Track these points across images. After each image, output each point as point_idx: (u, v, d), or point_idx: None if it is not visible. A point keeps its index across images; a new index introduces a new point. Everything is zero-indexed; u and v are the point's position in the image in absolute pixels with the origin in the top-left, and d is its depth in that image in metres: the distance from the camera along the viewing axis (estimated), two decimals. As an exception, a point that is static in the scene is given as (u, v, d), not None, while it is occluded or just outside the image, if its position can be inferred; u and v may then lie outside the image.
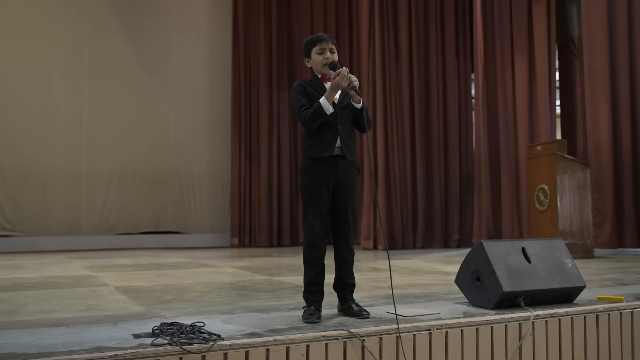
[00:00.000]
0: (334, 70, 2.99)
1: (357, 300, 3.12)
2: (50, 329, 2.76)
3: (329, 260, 3.05)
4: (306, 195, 3.05)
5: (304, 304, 3.03)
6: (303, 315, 2.94)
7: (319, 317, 2.92)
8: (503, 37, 9.23)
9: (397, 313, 2.94)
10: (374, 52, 9.65)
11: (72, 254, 8.70)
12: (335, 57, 3.10)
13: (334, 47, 3.10)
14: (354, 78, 2.94)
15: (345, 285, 3.10)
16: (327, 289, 3.08)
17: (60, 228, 10.34)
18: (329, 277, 3.09)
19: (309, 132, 3.05)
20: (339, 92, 3.01)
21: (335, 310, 3.15)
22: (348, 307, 3.06)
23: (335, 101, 3.00)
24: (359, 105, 3.01)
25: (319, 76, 3.12)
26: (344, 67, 2.96)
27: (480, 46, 9.30)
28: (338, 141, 3.01)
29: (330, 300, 3.19)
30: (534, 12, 8.87)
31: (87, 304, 3.63)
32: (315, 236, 3.00)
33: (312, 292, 3.01)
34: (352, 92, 2.97)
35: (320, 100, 2.96)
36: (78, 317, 3.12)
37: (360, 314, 2.98)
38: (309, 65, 3.16)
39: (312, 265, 3.03)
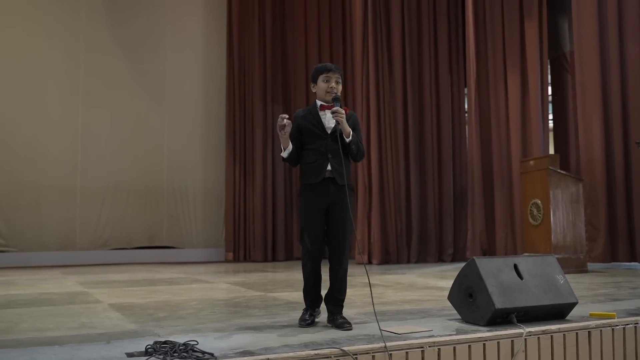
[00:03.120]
0: (335, 101, 3.26)
1: (348, 317, 3.26)
2: (43, 348, 2.76)
3: (325, 275, 3.31)
4: (302, 216, 3.36)
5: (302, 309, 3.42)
6: (299, 319, 3.35)
7: (313, 322, 3.29)
8: (495, 52, 9.30)
9: (392, 330, 3.02)
10: (368, 67, 9.70)
11: (66, 270, 8.68)
12: (340, 88, 3.36)
13: (339, 78, 3.37)
14: (341, 112, 3.19)
15: (335, 299, 3.29)
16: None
17: (54, 243, 10.30)
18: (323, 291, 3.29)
19: (303, 160, 3.35)
20: (334, 121, 3.25)
21: (329, 327, 3.22)
22: (334, 319, 3.24)
23: (329, 131, 3.27)
24: (347, 140, 3.25)
25: (319, 104, 3.34)
26: (340, 107, 3.21)
27: (473, 61, 9.37)
28: (328, 166, 3.26)
29: (323, 317, 3.29)
30: (526, 27, 8.95)
31: (81, 322, 3.62)
32: (309, 254, 3.31)
33: (308, 299, 3.38)
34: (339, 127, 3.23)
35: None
36: (71, 336, 3.12)
37: (343, 326, 3.13)
38: (314, 91, 3.43)
39: (306, 278, 3.36)
